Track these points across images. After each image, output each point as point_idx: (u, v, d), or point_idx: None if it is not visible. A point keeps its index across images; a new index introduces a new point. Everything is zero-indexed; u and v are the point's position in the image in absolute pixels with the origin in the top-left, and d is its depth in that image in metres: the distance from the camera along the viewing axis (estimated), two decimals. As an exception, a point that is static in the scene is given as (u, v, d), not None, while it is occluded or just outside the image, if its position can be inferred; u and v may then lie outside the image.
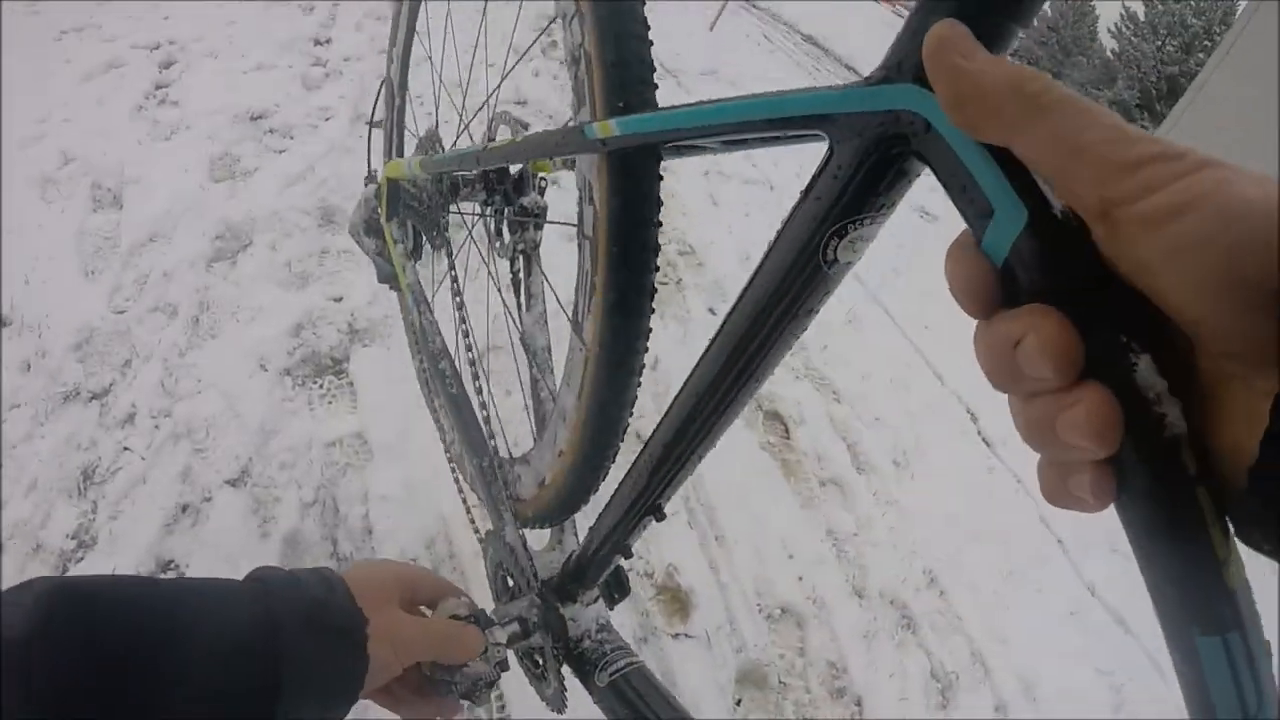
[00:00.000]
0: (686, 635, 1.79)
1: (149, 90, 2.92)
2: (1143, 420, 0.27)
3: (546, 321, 1.11)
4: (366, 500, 1.74)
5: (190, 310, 2.07)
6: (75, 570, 1.55)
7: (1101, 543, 2.58)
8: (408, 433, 1.88)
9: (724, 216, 3.52)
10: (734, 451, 2.26)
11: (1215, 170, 0.24)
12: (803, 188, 0.46)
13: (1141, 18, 17.94)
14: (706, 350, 0.59)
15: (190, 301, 2.09)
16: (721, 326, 0.56)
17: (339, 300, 2.23)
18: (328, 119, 3.04)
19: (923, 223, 4.63)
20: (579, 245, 0.78)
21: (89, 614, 0.48)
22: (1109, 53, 18.58)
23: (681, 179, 3.65)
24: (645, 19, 0.71)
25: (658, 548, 1.90)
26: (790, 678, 1.83)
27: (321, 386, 1.99)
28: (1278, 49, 4.58)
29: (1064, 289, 0.28)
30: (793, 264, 0.47)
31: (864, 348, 3.12)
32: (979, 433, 3.03)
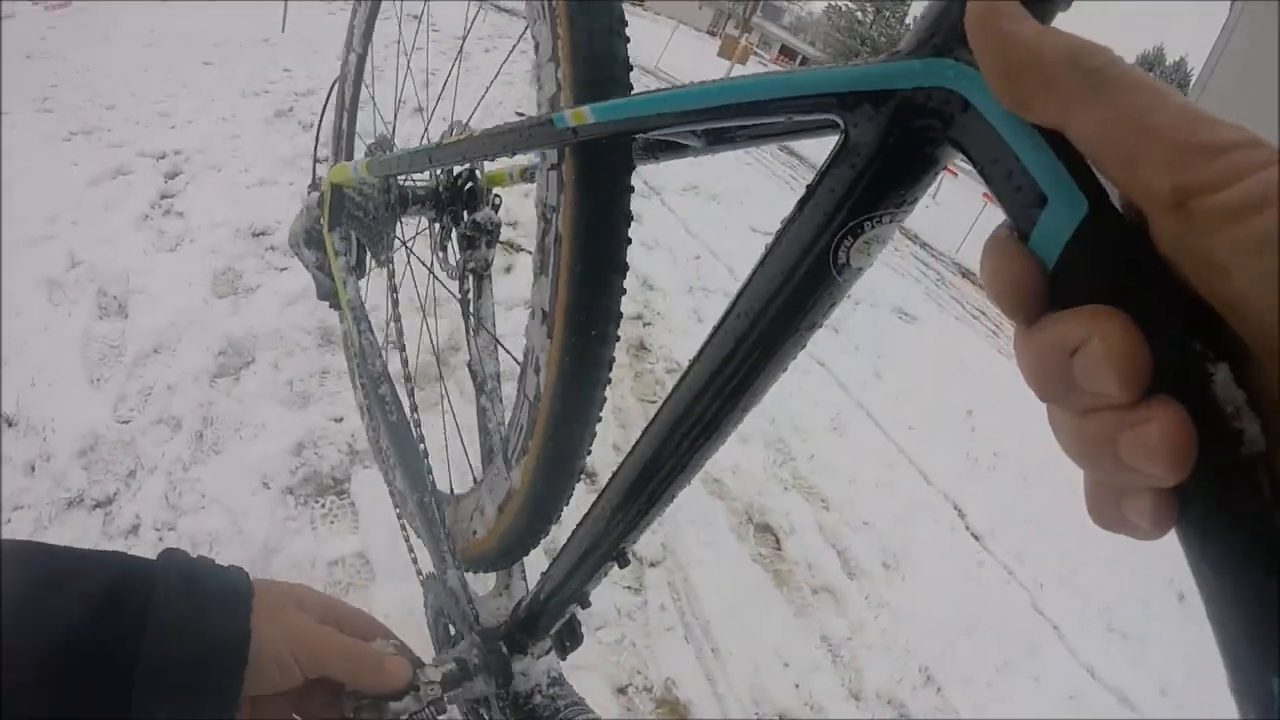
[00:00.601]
0: None
1: (154, 199, 3.01)
2: (1219, 438, 0.23)
3: (497, 348, 1.03)
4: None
5: (194, 424, 2.10)
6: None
7: (1097, 622, 2.62)
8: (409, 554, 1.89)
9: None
10: (726, 565, 2.30)
11: None
12: (809, 181, 0.41)
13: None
14: (688, 369, 0.51)
15: (194, 415, 2.13)
16: (706, 344, 0.49)
17: (339, 421, 2.28)
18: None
19: (901, 324, 4.77)
20: (538, 263, 0.72)
21: None
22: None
23: (667, 297, 3.76)
24: (623, 15, 0.67)
25: (655, 663, 1.92)
26: (789, 788, 1.84)
27: (323, 506, 2.01)
28: (1278, 48, 4.64)
29: (1129, 289, 0.25)
30: (796, 268, 0.42)
31: (849, 452, 3.19)
32: (967, 527, 3.10)
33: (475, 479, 0.99)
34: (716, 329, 0.48)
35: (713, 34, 52.16)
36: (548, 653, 0.81)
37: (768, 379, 0.48)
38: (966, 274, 7.85)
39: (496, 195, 1.01)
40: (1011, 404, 4.55)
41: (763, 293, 0.44)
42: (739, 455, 2.86)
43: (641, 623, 2.03)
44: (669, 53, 15.20)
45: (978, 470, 3.61)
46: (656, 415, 0.54)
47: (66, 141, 3.22)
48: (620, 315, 0.70)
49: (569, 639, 0.78)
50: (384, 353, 1.18)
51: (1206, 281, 0.23)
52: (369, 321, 1.18)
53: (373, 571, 1.87)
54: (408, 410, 1.02)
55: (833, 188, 0.39)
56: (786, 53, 71.40)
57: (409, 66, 1.22)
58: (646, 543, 2.21)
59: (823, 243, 0.40)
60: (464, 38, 1.19)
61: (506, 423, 0.85)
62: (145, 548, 1.78)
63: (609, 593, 2.07)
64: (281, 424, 2.19)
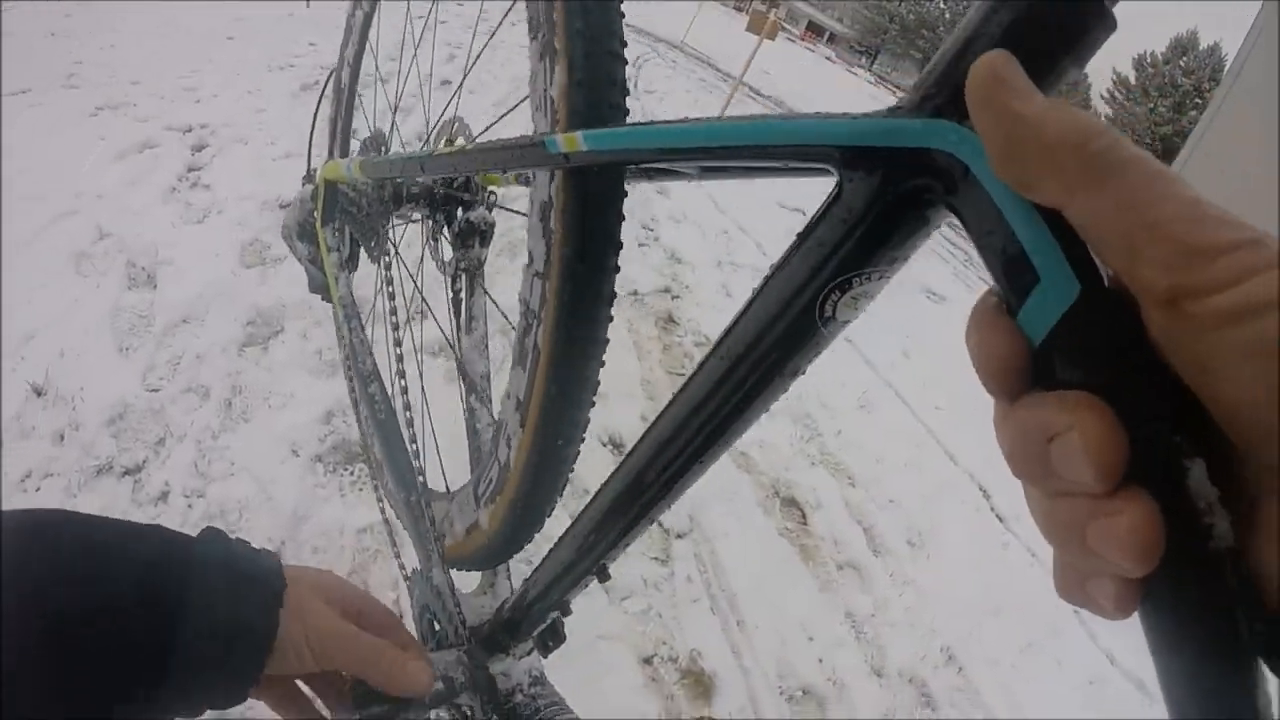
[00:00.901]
0: (710, 719, 1.81)
1: (181, 173, 3.02)
2: (1188, 532, 0.23)
3: (487, 346, 1.04)
4: (397, 586, 1.76)
5: (223, 393, 2.12)
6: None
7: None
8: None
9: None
10: (753, 538, 2.29)
11: None
12: (800, 228, 0.40)
13: (1133, 82, 18.40)
14: (675, 398, 0.51)
15: (223, 384, 2.14)
16: (692, 377, 0.49)
17: (369, 387, 2.27)
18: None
19: (930, 304, 4.72)
20: (527, 276, 0.72)
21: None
22: (1103, 118, 19.02)
23: (696, 270, 3.73)
24: (623, 35, 0.65)
25: (681, 634, 1.92)
26: (813, 762, 1.84)
27: (352, 474, 2.02)
28: (1277, 79, 4.61)
29: (1114, 377, 0.25)
30: (781, 315, 0.41)
31: (877, 431, 3.17)
32: (992, 509, 3.08)
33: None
34: (701, 367, 0.48)
35: (739, 9, 51.65)
36: (529, 653, 0.81)
37: (747, 420, 0.47)
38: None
39: (492, 192, 1.00)
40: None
41: (747, 337, 0.44)
42: (766, 430, 2.86)
43: (668, 594, 2.03)
44: (696, 27, 15.06)
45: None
46: (638, 443, 0.55)
47: (93, 117, 3.23)
48: (607, 339, 0.70)
49: (551, 639, 0.78)
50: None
51: (1195, 377, 0.23)
52: (360, 319, 1.17)
53: (402, 538, 1.87)
54: (400, 410, 0.99)
55: (823, 240, 0.38)
56: (814, 29, 70.77)
57: (414, 61, 1.21)
58: (674, 514, 2.21)
59: (809, 295, 0.39)
60: (473, 34, 1.17)
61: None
62: (174, 515, 1.80)
63: (636, 564, 2.07)
64: (310, 393, 2.20)
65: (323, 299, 1.30)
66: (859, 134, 0.35)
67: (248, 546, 0.57)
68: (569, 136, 0.55)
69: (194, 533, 0.55)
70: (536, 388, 0.71)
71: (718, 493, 2.38)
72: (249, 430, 2.04)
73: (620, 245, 0.67)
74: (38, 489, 1.76)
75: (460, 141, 0.98)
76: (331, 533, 1.84)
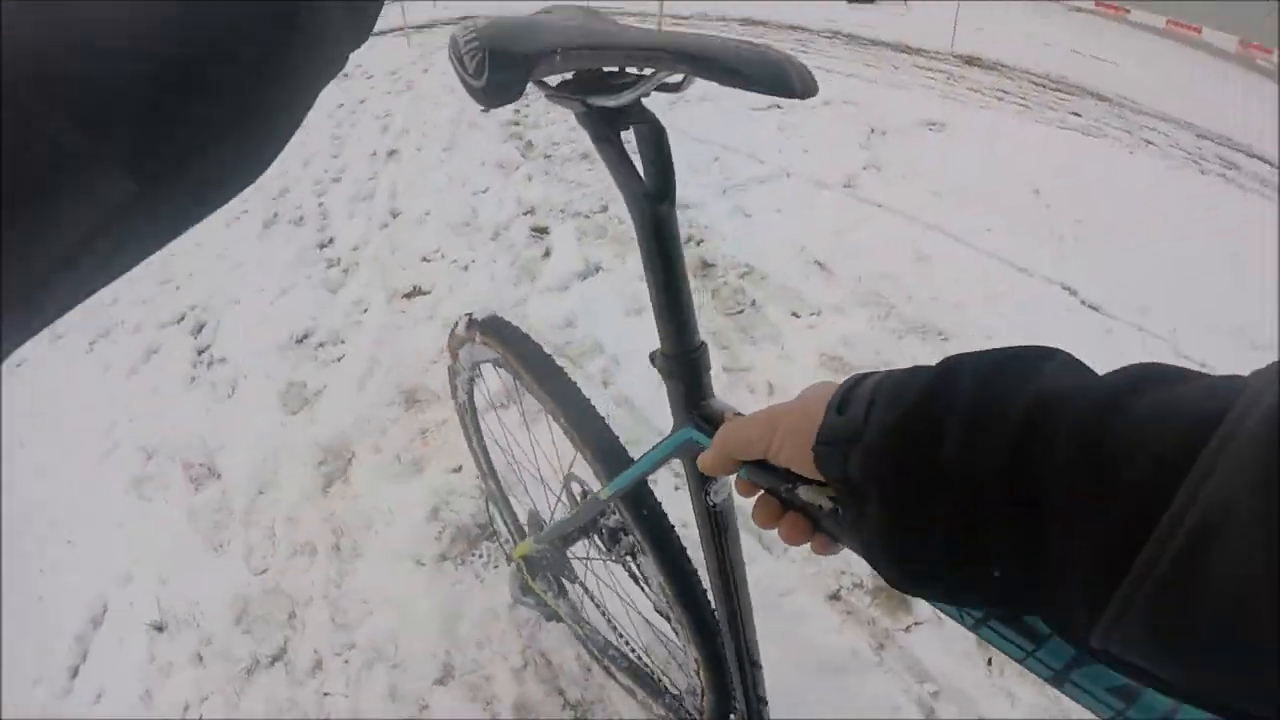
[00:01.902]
0: (916, 624, 1.78)
1: (193, 358, 2.99)
2: (806, 510, 0.54)
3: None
4: (574, 642, 1.70)
5: (328, 541, 2.07)
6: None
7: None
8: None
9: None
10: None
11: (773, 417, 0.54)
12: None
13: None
14: None
15: (324, 533, 2.10)
16: None
17: (458, 470, 2.23)
18: (365, 310, 3.08)
19: (933, 135, 4.57)
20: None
21: None
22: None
23: (705, 208, 3.64)
24: None
25: (854, 558, 1.83)
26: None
27: (482, 555, 1.97)
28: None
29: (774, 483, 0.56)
30: None
31: (944, 278, 3.13)
32: (1082, 302, 2.97)
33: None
34: None
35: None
36: None
37: None
38: (970, 61, 7.45)
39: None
40: (1069, 168, 4.33)
41: None
42: (842, 326, 2.76)
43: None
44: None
45: (1068, 244, 3.43)
46: None
47: (89, 352, 3.21)
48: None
49: None
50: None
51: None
52: (590, 624, 1.60)
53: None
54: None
55: None
56: None
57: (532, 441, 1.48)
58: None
59: None
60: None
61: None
62: (336, 679, 1.77)
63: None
64: (406, 499, 2.15)
65: (551, 620, 1.76)
66: None
67: None
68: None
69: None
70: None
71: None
72: (367, 564, 2.00)
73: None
74: (199, 717, 1.74)
75: (578, 488, 1.25)
76: (487, 621, 1.80)
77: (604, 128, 0.72)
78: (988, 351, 0.43)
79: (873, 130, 4.62)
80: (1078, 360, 0.42)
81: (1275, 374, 0.31)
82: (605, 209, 3.63)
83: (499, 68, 0.63)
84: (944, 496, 0.39)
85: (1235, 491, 0.28)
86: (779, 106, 4.96)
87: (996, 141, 4.60)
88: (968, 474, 0.38)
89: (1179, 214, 3.93)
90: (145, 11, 0.32)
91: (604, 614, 1.49)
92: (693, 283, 0.74)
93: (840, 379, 0.51)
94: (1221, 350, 2.75)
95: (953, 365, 0.43)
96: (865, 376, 0.49)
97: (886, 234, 3.46)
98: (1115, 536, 0.32)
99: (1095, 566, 0.33)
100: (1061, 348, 0.42)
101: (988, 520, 0.38)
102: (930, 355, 2.58)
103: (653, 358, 0.86)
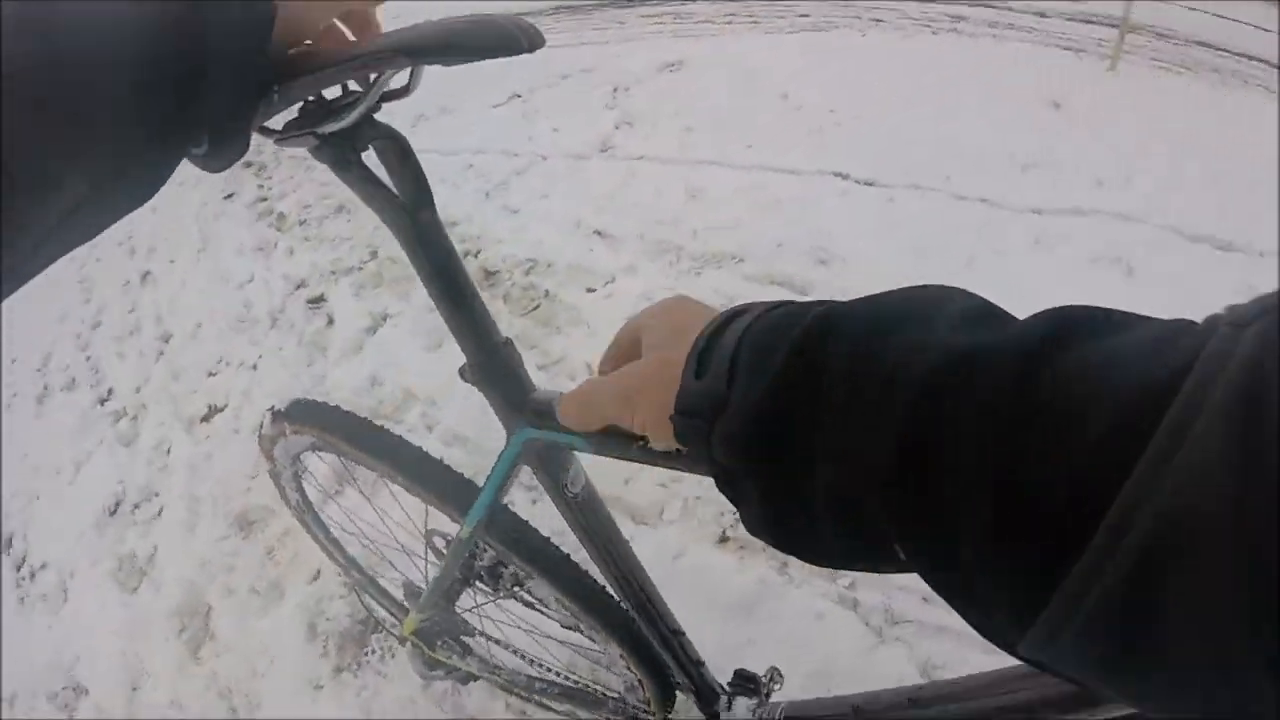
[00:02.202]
0: None
1: (15, 579, 2.68)
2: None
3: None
4: (499, 693, 1.66)
5: (220, 708, 1.91)
6: None
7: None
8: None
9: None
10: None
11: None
12: None
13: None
14: None
15: (212, 700, 1.93)
16: None
17: (317, 576, 2.12)
18: (167, 451, 2.86)
19: (671, 74, 4.63)
20: None
21: None
22: None
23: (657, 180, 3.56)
24: None
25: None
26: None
27: (374, 650, 1.89)
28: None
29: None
30: None
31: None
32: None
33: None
34: None
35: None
36: None
37: None
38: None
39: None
40: (810, 68, 4.49)
41: None
42: (638, 285, 2.80)
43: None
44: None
45: (827, 135, 3.57)
46: None
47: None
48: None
49: None
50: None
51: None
52: (507, 668, 1.53)
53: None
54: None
55: None
56: None
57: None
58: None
59: None
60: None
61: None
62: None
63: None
64: (278, 629, 2.02)
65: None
66: None
67: None
68: None
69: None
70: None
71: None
72: (268, 711, 1.86)
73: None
74: None
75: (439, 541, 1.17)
76: (407, 711, 1.73)
77: (342, 154, 0.68)
78: (868, 300, 0.36)
79: (615, 89, 4.63)
80: (978, 299, 0.34)
81: (1242, 327, 0.24)
82: (375, 254, 3.47)
83: (216, 127, 0.59)
84: (828, 492, 0.34)
85: (1202, 496, 0.22)
86: (519, 96, 4.90)
87: (735, 63, 4.67)
88: (853, 466, 0.32)
89: (920, 78, 4.11)
90: None
91: (516, 652, 1.44)
92: (481, 295, 0.71)
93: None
94: (995, 185, 2.91)
95: (827, 319, 0.35)
96: (733, 317, 0.41)
97: (654, 183, 3.48)
98: (1040, 544, 0.26)
99: (1016, 577, 0.27)
100: (956, 286, 0.35)
101: (882, 517, 0.32)
102: (729, 282, 2.63)
103: (462, 373, 0.82)
